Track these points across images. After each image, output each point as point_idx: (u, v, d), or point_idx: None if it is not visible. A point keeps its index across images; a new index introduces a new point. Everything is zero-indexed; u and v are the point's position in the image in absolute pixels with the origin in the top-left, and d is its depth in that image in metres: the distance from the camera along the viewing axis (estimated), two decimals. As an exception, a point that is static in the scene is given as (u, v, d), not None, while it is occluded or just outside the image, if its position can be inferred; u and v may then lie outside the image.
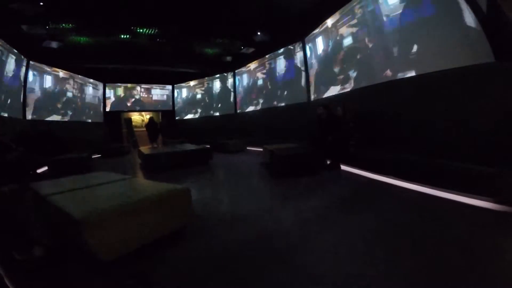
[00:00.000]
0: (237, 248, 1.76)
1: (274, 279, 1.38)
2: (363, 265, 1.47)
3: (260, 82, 9.53)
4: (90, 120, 10.65)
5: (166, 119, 12.31)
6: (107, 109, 11.95)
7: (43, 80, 8.30)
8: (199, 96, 12.54)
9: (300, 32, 7.23)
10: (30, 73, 7.61)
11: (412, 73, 3.89)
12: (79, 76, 10.03)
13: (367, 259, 1.53)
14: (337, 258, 1.56)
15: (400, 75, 4.14)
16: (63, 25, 6.23)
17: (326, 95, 6.37)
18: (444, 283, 1.28)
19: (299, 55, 7.64)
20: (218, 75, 11.59)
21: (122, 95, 12.42)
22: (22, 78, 7.25)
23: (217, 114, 11.79)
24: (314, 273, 1.41)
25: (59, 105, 8.96)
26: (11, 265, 1.38)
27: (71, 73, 9.58)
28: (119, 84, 12.23)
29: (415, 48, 3.87)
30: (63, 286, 1.44)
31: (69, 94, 9.56)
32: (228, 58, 9.17)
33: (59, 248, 1.54)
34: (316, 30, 6.65)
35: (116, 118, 12.29)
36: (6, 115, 6.27)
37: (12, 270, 1.37)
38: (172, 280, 1.43)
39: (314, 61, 6.99)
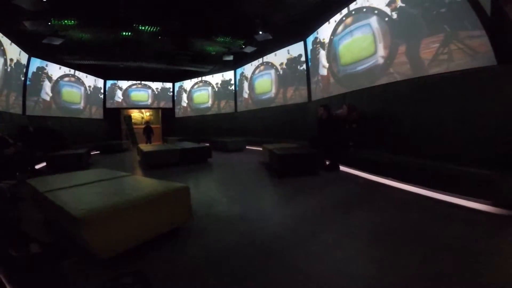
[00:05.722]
0: (236, 248, 1.76)
1: (273, 279, 1.38)
2: (362, 266, 1.46)
3: (260, 81, 9.52)
4: (89, 117, 10.65)
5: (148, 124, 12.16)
6: (107, 105, 11.94)
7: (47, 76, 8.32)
8: (199, 94, 12.52)
9: (301, 31, 7.23)
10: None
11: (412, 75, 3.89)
12: (80, 72, 10.02)
13: (365, 260, 1.53)
14: (336, 258, 1.55)
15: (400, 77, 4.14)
16: (65, 21, 6.21)
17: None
18: (440, 284, 1.28)
19: (300, 55, 7.64)
20: (218, 74, 11.58)
21: (123, 92, 12.40)
22: (23, 74, 7.25)
23: (217, 112, 11.79)
24: (313, 273, 1.41)
25: (59, 101, 8.96)
26: (7, 262, 1.37)
27: (72, 69, 9.57)
28: (119, 80, 12.21)
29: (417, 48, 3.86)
30: (60, 284, 1.43)
31: (70, 91, 9.56)
32: (229, 57, 9.15)
33: (56, 246, 1.53)
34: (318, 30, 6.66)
35: (115, 115, 12.28)
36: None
37: (8, 267, 1.36)
38: (171, 279, 1.43)
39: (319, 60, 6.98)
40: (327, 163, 4.30)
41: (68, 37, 6.99)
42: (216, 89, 11.85)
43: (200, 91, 12.46)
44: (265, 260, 1.57)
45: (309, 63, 7.35)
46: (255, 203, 2.80)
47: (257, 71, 9.69)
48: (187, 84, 12.86)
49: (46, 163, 5.51)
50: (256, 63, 9.66)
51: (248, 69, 10.18)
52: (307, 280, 1.36)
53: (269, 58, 9.00)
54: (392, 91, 4.19)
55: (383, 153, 3.81)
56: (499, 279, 1.31)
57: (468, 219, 2.09)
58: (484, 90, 2.84)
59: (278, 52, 8.49)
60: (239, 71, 10.77)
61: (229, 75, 11.24)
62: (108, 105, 11.97)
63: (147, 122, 12.33)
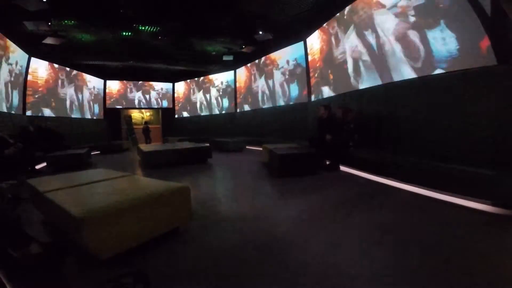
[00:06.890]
0: (237, 248, 1.76)
1: (273, 278, 1.38)
2: (362, 265, 1.46)
3: (260, 81, 9.51)
4: (89, 117, 10.66)
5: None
6: (107, 105, 11.94)
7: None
8: (199, 94, 12.52)
9: (301, 31, 7.22)
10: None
11: (412, 75, 3.89)
12: (80, 72, 10.02)
13: (365, 259, 1.53)
14: (336, 258, 1.55)
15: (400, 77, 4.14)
16: (65, 22, 6.21)
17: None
18: (439, 284, 1.28)
19: (299, 55, 7.64)
20: (218, 74, 11.57)
21: (123, 92, 12.40)
22: (23, 74, 7.25)
23: (217, 113, 11.78)
24: (313, 273, 1.41)
25: (60, 102, 8.96)
26: (7, 262, 1.37)
27: (72, 70, 9.57)
28: (119, 81, 12.20)
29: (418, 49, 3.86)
30: (60, 284, 1.43)
31: (70, 91, 9.56)
32: (229, 57, 9.14)
33: (56, 246, 1.53)
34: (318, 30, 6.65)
35: (116, 115, 12.28)
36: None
37: (8, 267, 1.36)
38: (170, 279, 1.43)
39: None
40: (327, 163, 4.31)
41: (68, 37, 6.99)
42: (216, 89, 11.84)
43: (200, 91, 12.45)
44: (265, 260, 1.57)
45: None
46: (255, 203, 2.81)
47: (257, 71, 9.69)
48: (187, 84, 12.86)
49: (46, 163, 5.51)
50: (255, 63, 9.65)
51: (248, 69, 10.17)
52: (308, 280, 1.36)
53: (269, 58, 8.99)
54: (392, 91, 4.19)
55: (383, 153, 3.81)
56: (499, 279, 1.31)
57: (468, 219, 2.09)
58: (484, 90, 2.84)
59: (278, 52, 8.49)
60: (239, 71, 10.77)
61: (229, 75, 11.23)
62: (108, 105, 11.97)
63: (145, 123, 12.39)
